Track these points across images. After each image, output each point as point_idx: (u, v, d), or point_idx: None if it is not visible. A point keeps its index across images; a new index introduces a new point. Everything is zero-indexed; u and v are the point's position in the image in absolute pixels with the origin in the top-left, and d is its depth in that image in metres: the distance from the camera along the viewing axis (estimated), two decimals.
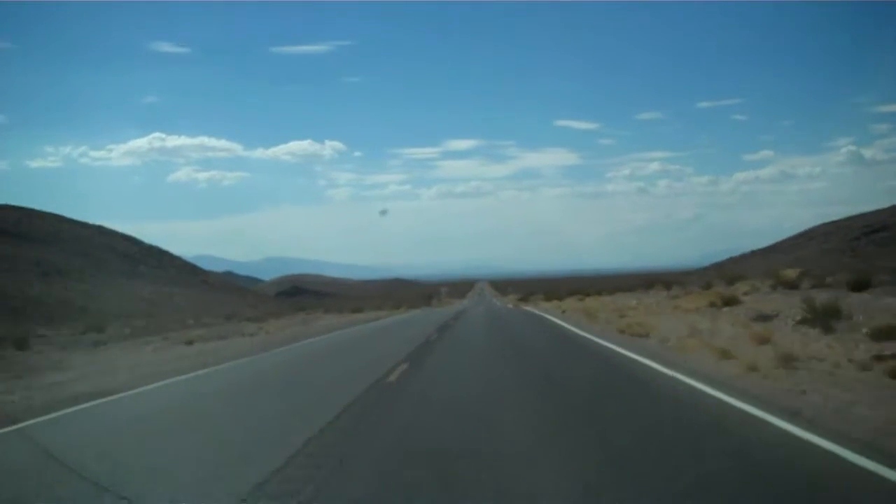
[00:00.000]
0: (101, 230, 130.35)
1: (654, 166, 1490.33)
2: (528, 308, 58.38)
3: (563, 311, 42.62)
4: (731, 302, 26.76)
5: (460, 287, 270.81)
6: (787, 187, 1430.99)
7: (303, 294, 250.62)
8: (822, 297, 20.50)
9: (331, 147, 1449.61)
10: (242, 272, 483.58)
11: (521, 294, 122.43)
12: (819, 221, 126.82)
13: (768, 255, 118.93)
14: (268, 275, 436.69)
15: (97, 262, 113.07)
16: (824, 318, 17.20)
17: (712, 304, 27.16)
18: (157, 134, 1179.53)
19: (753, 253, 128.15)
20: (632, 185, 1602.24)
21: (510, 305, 76.84)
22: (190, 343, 27.19)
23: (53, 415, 10.92)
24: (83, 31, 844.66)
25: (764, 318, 20.61)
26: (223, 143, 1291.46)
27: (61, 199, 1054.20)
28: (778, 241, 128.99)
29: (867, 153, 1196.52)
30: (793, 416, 8.30)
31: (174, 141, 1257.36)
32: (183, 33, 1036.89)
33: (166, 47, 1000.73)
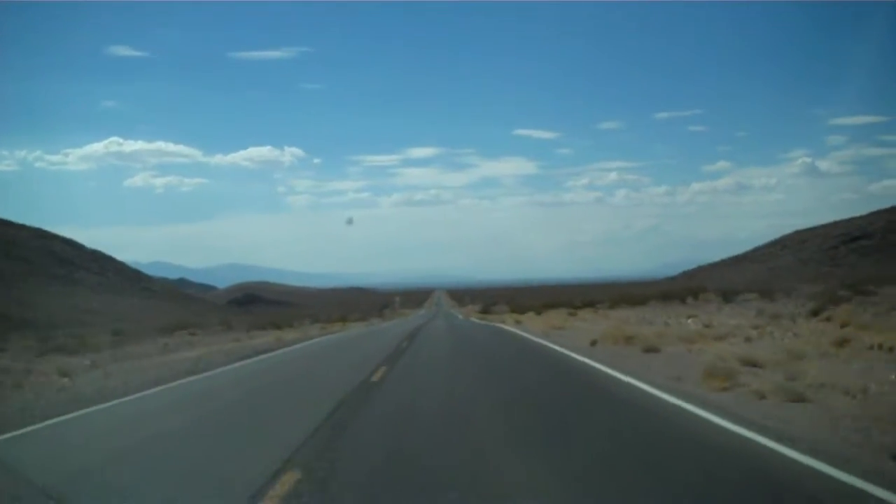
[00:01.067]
0: (39, 233, 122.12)
1: (613, 176, 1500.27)
2: (502, 325, 41.03)
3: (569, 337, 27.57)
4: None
5: (417, 296, 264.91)
6: (743, 198, 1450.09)
7: (256, 302, 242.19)
8: None
9: (290, 153, 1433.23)
10: (197, 279, 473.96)
11: (481, 304, 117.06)
12: (778, 233, 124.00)
13: (740, 264, 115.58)
14: (224, 282, 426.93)
15: (30, 267, 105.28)
16: None
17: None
18: (114, 138, 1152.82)
19: (724, 262, 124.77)
20: (590, 194, 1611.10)
21: (474, 319, 65.55)
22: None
23: None
24: (41, 34, 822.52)
25: None
26: (181, 148, 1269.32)
27: (14, 204, 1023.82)
28: (749, 251, 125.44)
29: (822, 165, 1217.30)
30: None
31: (131, 146, 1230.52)
32: (142, 37, 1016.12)
33: (125, 51, 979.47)
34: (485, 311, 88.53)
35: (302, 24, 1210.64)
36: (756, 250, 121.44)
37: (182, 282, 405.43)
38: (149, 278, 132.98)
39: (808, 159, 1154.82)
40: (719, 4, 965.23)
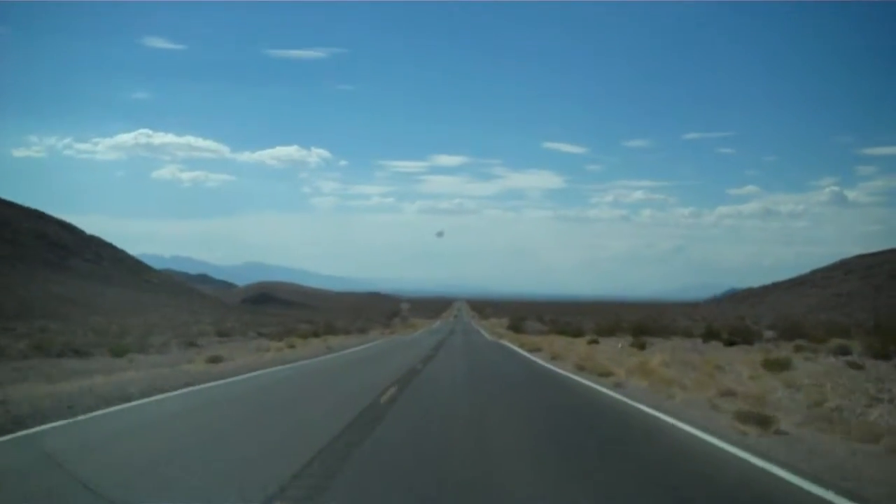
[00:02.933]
0: (33, 214, 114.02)
1: (639, 195, 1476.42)
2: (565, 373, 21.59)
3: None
4: None
5: (436, 305, 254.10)
6: (769, 224, 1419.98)
7: (269, 302, 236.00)
8: None
9: (317, 154, 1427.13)
10: (219, 276, 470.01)
11: (504, 317, 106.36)
12: (804, 260, 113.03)
13: (796, 289, 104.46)
14: (246, 280, 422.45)
15: (17, 250, 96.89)
16: None
17: None
18: (143, 130, 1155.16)
19: (776, 286, 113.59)
20: (615, 212, 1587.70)
21: (508, 343, 45.10)
22: None
23: None
24: (78, 22, 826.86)
25: None
26: (210, 143, 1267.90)
27: (40, 190, 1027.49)
28: (804, 274, 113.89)
29: (850, 195, 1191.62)
30: None
31: (161, 138, 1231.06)
32: (179, 30, 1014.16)
33: (160, 43, 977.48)
34: (514, 327, 75.47)
35: (339, 25, 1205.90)
36: (814, 273, 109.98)
37: (203, 278, 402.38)
38: (150, 270, 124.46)
39: (837, 188, 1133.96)
40: (753, 28, 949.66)
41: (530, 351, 33.86)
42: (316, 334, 47.84)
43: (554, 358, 26.85)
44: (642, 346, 32.77)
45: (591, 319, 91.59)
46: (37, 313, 67.39)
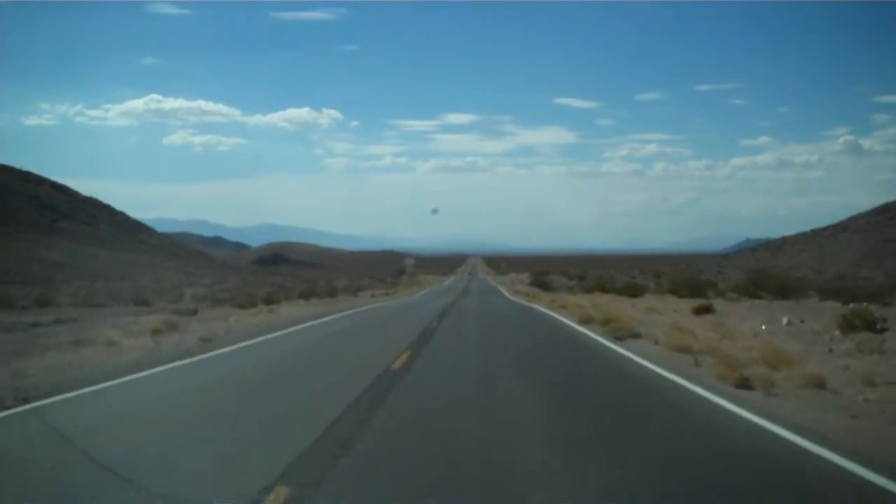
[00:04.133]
0: (24, 176, 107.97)
1: (652, 148, 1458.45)
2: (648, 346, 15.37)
3: None
4: None
5: (450, 262, 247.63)
6: (783, 175, 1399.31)
7: (281, 263, 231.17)
8: None
9: (328, 116, 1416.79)
10: (233, 238, 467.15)
11: (522, 272, 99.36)
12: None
13: (839, 234, 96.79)
14: (260, 241, 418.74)
15: (5, 213, 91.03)
16: None
17: None
18: (153, 95, 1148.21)
19: (815, 233, 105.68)
20: (628, 166, 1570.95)
21: (540, 307, 33.31)
22: None
23: None
24: None
25: None
26: (221, 107, 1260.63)
27: (52, 157, 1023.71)
28: (845, 220, 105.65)
29: (865, 143, 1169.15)
30: None
31: (171, 103, 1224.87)
32: None
33: (166, 8, 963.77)
34: (539, 284, 66.27)
35: None
36: (856, 219, 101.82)
37: (217, 240, 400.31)
38: (148, 231, 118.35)
39: (851, 137, 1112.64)
40: None
41: (581, 322, 21.90)
42: (302, 296, 40.89)
43: (669, 347, 14.24)
44: (705, 311, 24.65)
45: (621, 273, 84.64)
46: (14, 278, 61.73)
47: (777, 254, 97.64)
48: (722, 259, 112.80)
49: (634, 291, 39.81)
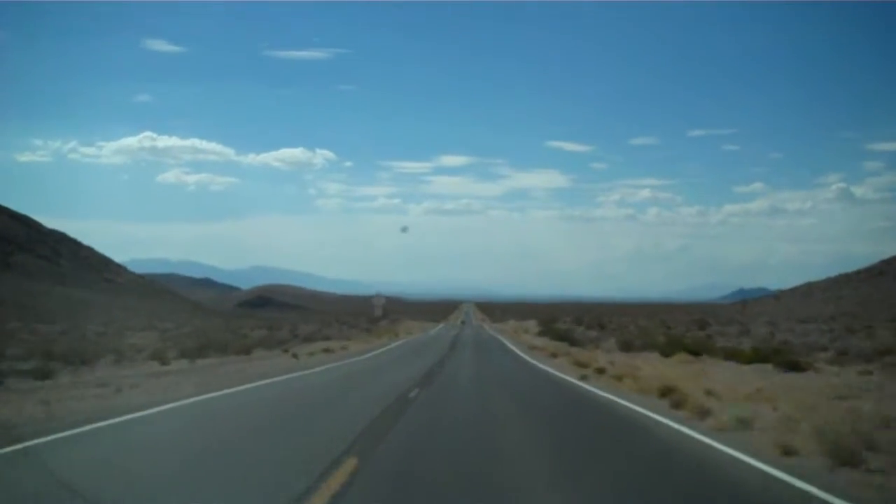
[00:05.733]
0: None
1: (645, 193, 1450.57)
2: None
3: None
4: None
5: (440, 308, 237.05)
6: (776, 222, 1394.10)
7: (268, 305, 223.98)
8: None
9: (322, 156, 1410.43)
10: (225, 280, 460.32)
11: (523, 319, 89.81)
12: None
13: (835, 288, 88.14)
14: (252, 283, 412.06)
15: None
16: None
17: None
18: (147, 133, 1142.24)
19: (810, 285, 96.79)
20: (621, 211, 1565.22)
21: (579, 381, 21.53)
22: None
23: None
24: (79, 26, 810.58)
25: None
26: (215, 146, 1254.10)
27: (45, 195, 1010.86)
28: (848, 272, 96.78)
29: (857, 191, 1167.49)
30: None
31: (165, 141, 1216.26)
32: (178, 32, 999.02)
33: (161, 46, 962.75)
34: (559, 336, 51.07)
35: (340, 25, 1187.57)
36: (859, 272, 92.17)
37: (206, 281, 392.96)
38: (116, 269, 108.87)
39: (843, 184, 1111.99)
40: (758, 24, 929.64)
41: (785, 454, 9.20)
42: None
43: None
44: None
45: (626, 320, 75.86)
46: None
47: (779, 304, 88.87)
48: (741, 306, 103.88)
49: (696, 349, 29.81)
